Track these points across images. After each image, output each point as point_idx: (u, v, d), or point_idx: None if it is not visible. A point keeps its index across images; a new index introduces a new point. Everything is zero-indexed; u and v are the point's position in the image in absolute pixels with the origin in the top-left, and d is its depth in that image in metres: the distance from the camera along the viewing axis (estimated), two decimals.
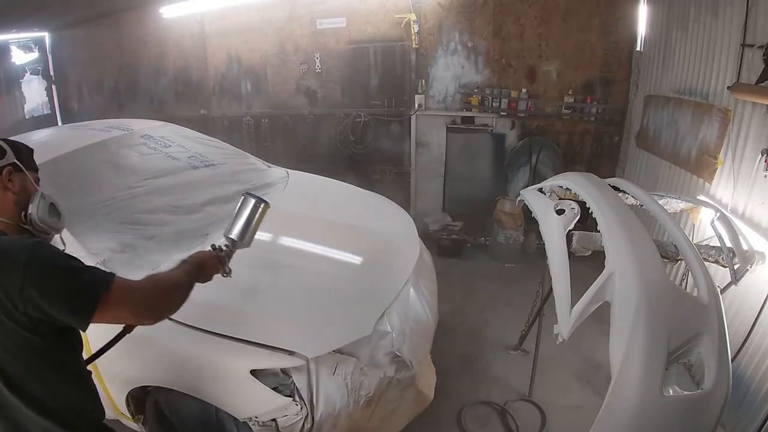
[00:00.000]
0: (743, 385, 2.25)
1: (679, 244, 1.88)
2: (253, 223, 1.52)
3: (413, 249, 2.62)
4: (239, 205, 1.53)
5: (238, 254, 1.53)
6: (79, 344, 1.16)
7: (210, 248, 1.47)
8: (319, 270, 2.26)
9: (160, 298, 1.16)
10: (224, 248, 1.49)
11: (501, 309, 3.59)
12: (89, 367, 1.29)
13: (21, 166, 1.21)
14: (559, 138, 4.48)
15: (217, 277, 1.47)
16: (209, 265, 1.42)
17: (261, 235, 2.39)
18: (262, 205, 1.52)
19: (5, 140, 1.25)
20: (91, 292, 1.02)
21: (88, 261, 1.92)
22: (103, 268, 1.11)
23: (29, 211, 1.16)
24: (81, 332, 1.11)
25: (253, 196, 1.52)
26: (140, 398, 1.97)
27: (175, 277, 1.24)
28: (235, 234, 1.50)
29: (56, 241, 1.36)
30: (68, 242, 2.00)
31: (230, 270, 1.50)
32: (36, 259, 0.99)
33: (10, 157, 1.19)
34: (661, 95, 3.57)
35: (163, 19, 5.12)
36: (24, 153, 1.26)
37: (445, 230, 4.63)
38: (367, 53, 4.80)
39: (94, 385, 1.22)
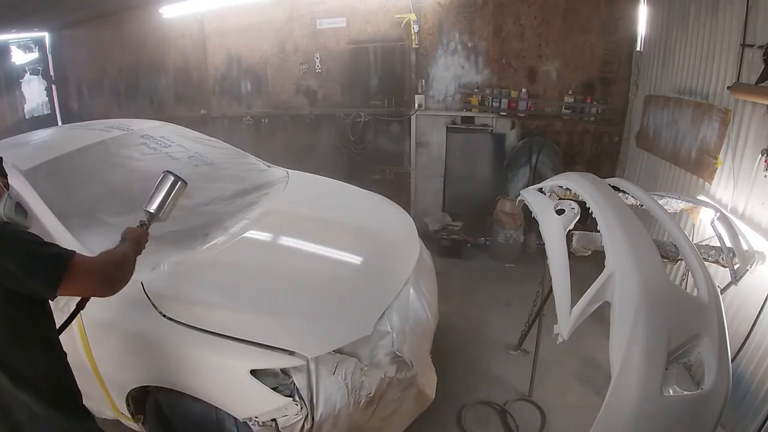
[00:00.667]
0: (743, 385, 2.25)
1: (679, 244, 1.88)
2: (170, 199, 1.67)
3: (413, 249, 2.62)
4: (158, 181, 1.67)
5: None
6: (51, 318, 1.29)
7: (138, 224, 1.64)
8: (319, 270, 2.26)
9: (116, 269, 1.32)
10: (146, 222, 1.66)
11: (501, 309, 3.59)
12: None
13: None
14: (559, 138, 4.48)
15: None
16: (142, 240, 1.58)
17: (261, 235, 2.43)
18: (179, 183, 1.68)
19: None
20: (58, 262, 1.16)
21: None
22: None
23: None
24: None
25: (173, 174, 1.67)
26: (140, 398, 1.97)
27: (124, 251, 1.42)
28: (153, 207, 1.66)
29: None
30: (68, 242, 2.00)
31: (147, 239, 1.64)
32: (6, 235, 1.14)
33: None
34: (661, 95, 3.58)
35: (163, 19, 5.12)
36: None
37: (445, 230, 4.63)
38: (367, 53, 4.80)
39: (70, 367, 1.32)
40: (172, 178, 1.67)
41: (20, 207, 1.34)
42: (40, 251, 1.16)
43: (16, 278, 1.10)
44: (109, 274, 1.28)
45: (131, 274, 1.39)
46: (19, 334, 1.16)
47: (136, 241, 1.52)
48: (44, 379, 1.19)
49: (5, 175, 1.42)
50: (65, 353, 1.32)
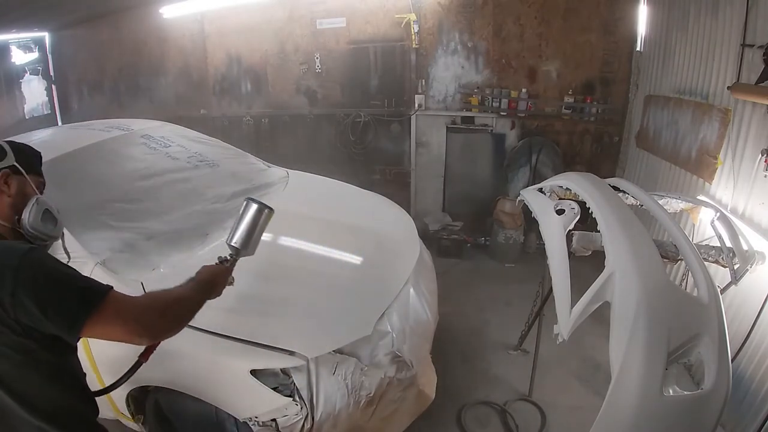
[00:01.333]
0: (743, 385, 2.25)
1: (679, 244, 1.88)
2: (257, 230, 1.46)
3: (413, 249, 2.62)
4: (241, 210, 1.48)
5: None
6: (73, 347, 1.14)
7: (217, 261, 1.44)
8: (319, 270, 2.26)
9: (157, 316, 1.11)
10: (229, 258, 1.45)
11: (501, 309, 3.59)
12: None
13: (20, 169, 1.20)
14: (559, 138, 4.48)
15: None
16: (219, 280, 1.38)
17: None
18: (266, 211, 1.47)
19: (9, 142, 1.24)
20: (84, 301, 1.00)
21: (89, 261, 1.94)
22: (100, 279, 1.08)
23: (22, 216, 1.15)
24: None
25: (256, 202, 1.47)
26: (140, 398, 1.97)
27: (178, 294, 1.20)
28: (237, 241, 1.45)
29: (56, 248, 1.33)
30: (68, 242, 2.00)
31: (233, 279, 1.46)
32: (28, 264, 0.98)
33: (9, 160, 1.19)
34: (661, 95, 3.57)
35: (163, 19, 5.12)
36: (27, 156, 1.25)
37: (445, 230, 4.63)
38: (367, 53, 4.80)
39: (87, 384, 1.21)
40: (255, 206, 1.45)
41: (49, 214, 1.20)
42: (67, 287, 1.00)
43: (35, 317, 0.96)
44: (147, 323, 1.08)
45: (183, 322, 1.17)
46: (37, 365, 1.04)
47: (208, 282, 1.32)
48: (59, 405, 1.09)
49: (41, 175, 1.28)
50: (84, 374, 1.20)
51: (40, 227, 1.16)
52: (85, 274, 1.08)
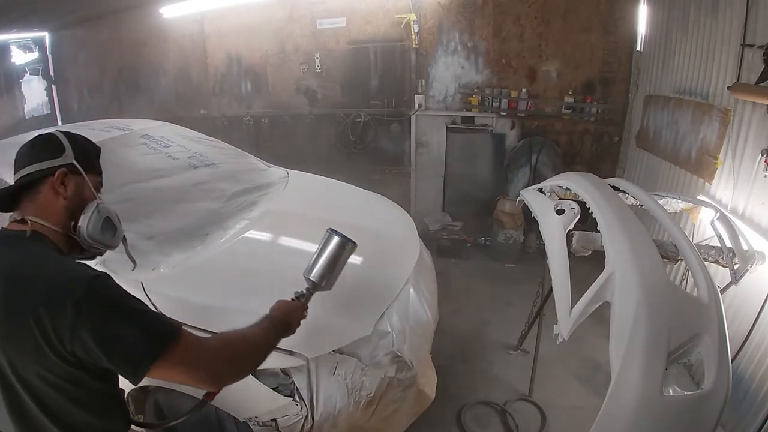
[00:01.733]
0: (743, 385, 2.25)
1: (679, 244, 1.88)
2: (338, 265, 1.40)
3: (413, 249, 2.62)
4: (322, 242, 1.41)
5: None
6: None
7: (293, 296, 1.36)
8: None
9: (228, 364, 1.02)
10: (305, 292, 1.38)
11: (501, 309, 3.59)
12: None
13: (79, 168, 1.06)
14: (559, 138, 4.48)
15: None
16: (295, 317, 1.29)
17: (261, 235, 2.42)
18: (349, 246, 1.39)
19: (66, 134, 1.10)
20: (151, 345, 0.91)
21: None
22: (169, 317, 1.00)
23: (79, 223, 1.03)
24: None
25: (339, 234, 1.39)
26: (140, 398, 1.97)
27: (253, 339, 1.11)
28: (315, 276, 1.39)
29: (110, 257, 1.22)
30: None
31: (306, 312, 1.39)
32: (92, 298, 0.88)
33: (68, 157, 1.05)
34: (661, 95, 3.58)
35: (163, 19, 5.12)
36: (87, 153, 1.11)
37: (445, 230, 4.63)
38: (367, 53, 4.81)
39: (125, 403, 1.15)
40: (338, 239, 1.38)
41: (108, 222, 1.08)
42: (130, 327, 0.90)
43: (95, 355, 0.88)
44: (216, 370, 0.99)
45: (254, 367, 1.09)
46: (88, 397, 0.97)
47: (283, 320, 1.23)
48: (100, 430, 1.03)
49: (100, 173, 1.14)
50: (123, 390, 1.12)
51: (98, 237, 1.06)
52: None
